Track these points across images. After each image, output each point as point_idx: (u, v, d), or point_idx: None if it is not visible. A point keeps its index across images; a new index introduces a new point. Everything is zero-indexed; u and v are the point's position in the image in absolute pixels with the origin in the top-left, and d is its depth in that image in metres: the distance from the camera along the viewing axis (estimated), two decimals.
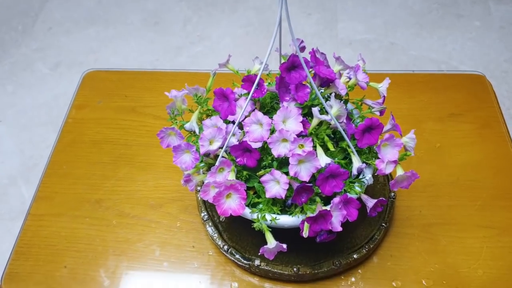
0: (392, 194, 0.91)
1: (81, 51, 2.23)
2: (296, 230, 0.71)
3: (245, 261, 0.83)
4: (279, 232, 0.72)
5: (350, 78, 0.80)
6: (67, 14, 2.40)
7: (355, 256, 0.83)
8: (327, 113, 0.70)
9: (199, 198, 0.91)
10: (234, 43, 2.21)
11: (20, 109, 2.00)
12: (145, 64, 2.14)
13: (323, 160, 0.69)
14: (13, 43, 2.27)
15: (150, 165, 1.01)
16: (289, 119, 0.72)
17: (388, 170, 0.72)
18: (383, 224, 0.87)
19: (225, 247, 0.85)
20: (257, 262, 0.82)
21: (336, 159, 0.73)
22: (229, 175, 0.72)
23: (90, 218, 0.94)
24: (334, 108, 0.72)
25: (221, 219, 0.88)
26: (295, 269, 0.81)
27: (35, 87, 2.08)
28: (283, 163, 0.73)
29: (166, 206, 0.94)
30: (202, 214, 0.89)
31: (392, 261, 0.86)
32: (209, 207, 0.90)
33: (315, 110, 0.71)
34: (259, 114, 0.72)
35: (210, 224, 0.87)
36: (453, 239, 0.88)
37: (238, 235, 0.87)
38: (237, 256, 0.84)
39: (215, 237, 0.86)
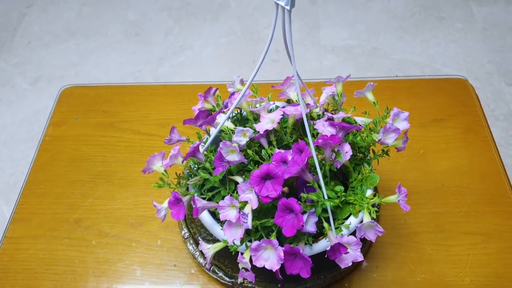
0: (376, 203, 0.89)
1: (61, 65, 2.19)
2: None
3: (228, 279, 0.81)
4: None
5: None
6: (47, 27, 2.37)
7: (340, 269, 0.81)
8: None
9: None
10: (217, 52, 2.18)
11: None
12: (127, 76, 2.12)
13: None
14: None
15: (129, 182, 0.99)
16: None
17: None
18: None
19: (207, 265, 0.82)
20: (240, 279, 0.80)
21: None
22: None
23: (69, 238, 0.91)
24: None
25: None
26: (279, 285, 0.79)
27: (15, 103, 2.04)
28: None
29: (146, 224, 0.92)
30: (183, 232, 0.86)
31: (378, 272, 0.84)
32: (190, 225, 0.88)
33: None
34: None
35: (191, 242, 0.85)
36: (439, 247, 0.87)
37: (220, 253, 0.85)
38: (220, 274, 0.82)
39: (196, 256, 0.84)
